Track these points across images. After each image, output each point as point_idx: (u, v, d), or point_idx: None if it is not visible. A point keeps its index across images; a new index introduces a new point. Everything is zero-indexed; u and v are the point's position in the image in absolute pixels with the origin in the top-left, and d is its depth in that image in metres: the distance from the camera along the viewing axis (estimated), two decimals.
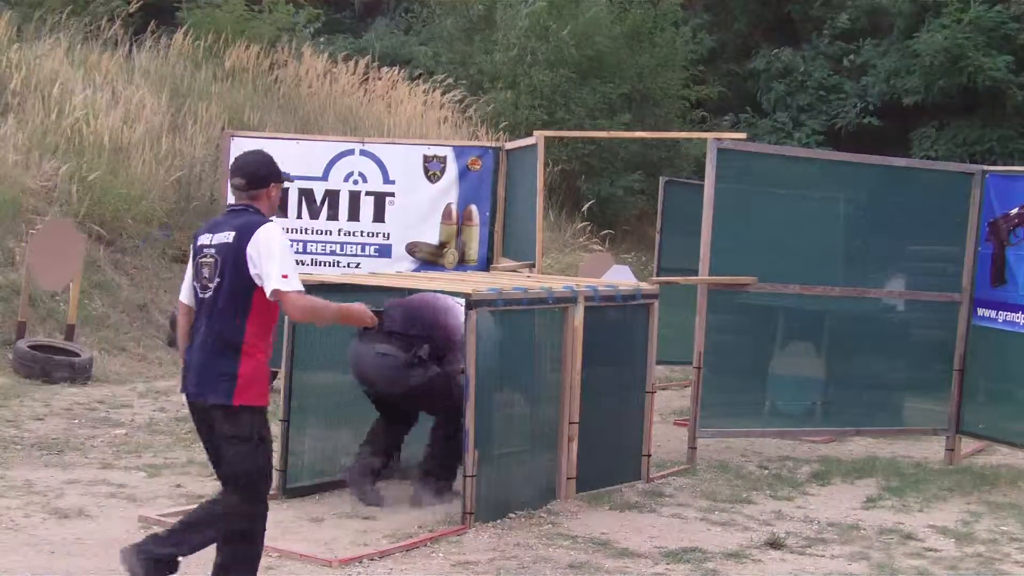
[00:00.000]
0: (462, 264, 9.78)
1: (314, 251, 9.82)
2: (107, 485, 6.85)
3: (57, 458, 7.43)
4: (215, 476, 7.13)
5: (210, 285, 4.76)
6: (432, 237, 9.85)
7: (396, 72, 17.77)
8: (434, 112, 17.26)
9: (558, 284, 7.43)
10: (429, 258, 9.81)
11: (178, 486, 6.94)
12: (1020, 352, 8.26)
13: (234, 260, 4.70)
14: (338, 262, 9.78)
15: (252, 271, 4.68)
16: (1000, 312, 8.46)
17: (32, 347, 9.77)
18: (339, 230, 9.83)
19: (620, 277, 10.89)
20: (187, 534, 4.83)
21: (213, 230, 4.86)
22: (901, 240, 8.91)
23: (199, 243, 4.88)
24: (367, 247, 9.83)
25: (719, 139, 8.44)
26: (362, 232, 9.83)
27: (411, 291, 7.16)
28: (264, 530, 4.91)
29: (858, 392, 8.74)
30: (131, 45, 15.38)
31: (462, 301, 6.56)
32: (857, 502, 7.42)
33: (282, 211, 9.82)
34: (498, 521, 6.43)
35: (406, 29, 21.79)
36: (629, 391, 7.56)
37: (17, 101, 12.82)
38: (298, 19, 18.24)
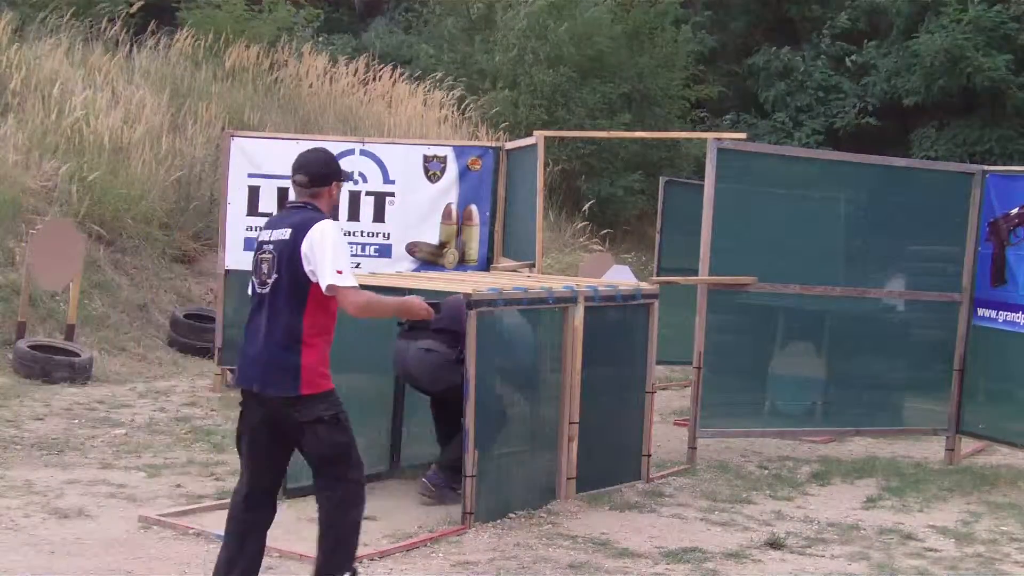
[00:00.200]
0: (462, 264, 9.78)
1: None
2: (107, 485, 6.85)
3: (57, 458, 7.43)
4: (214, 477, 7.17)
5: (268, 281, 4.84)
6: (432, 237, 9.85)
7: (396, 72, 17.79)
8: (434, 112, 17.27)
9: (558, 284, 7.43)
10: (429, 258, 9.81)
11: (178, 486, 6.94)
12: (1020, 352, 8.26)
13: (290, 257, 4.78)
14: None
15: (307, 267, 4.76)
16: (1000, 312, 8.46)
17: (32, 347, 9.77)
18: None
19: (620, 277, 10.88)
20: (334, 550, 4.92)
21: (273, 227, 4.96)
22: (901, 240, 8.90)
23: (260, 239, 4.98)
24: (367, 247, 9.83)
25: (719, 139, 8.44)
26: (362, 232, 9.83)
27: (411, 291, 7.16)
28: (363, 504, 5.03)
29: (858, 392, 8.74)
30: (131, 45, 15.39)
31: None
32: (857, 502, 7.42)
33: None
34: (498, 521, 6.43)
35: (406, 28, 21.80)
36: (629, 391, 7.55)
37: (17, 101, 12.83)
38: (297, 19, 18.25)
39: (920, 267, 8.99)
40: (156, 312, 11.80)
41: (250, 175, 9.87)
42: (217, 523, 6.13)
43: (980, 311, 8.63)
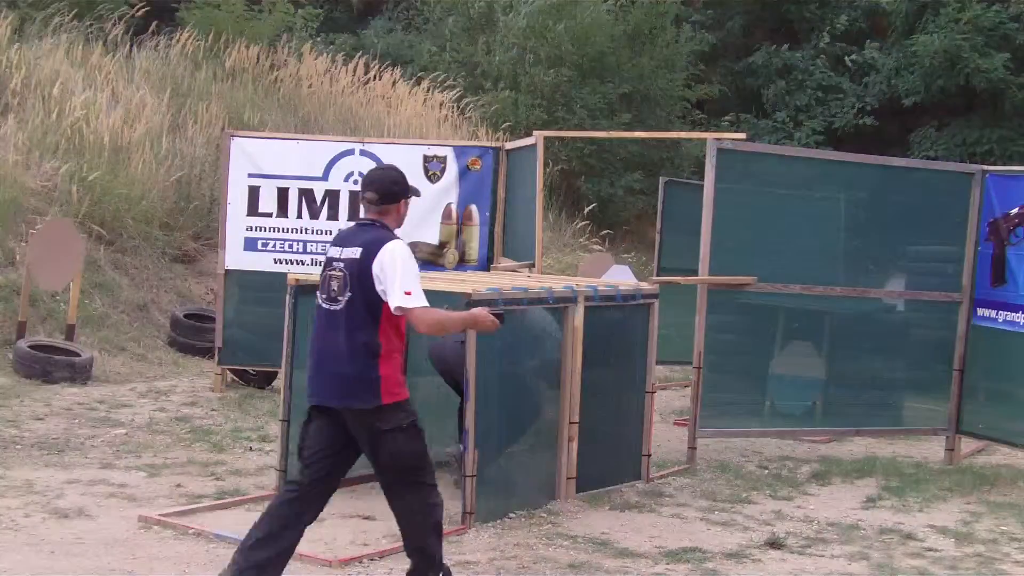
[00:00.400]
0: (462, 264, 9.78)
1: (314, 251, 9.81)
2: (107, 485, 6.85)
3: (57, 458, 7.43)
4: (214, 477, 7.17)
5: (340, 298, 4.97)
6: (432, 237, 9.84)
7: (396, 72, 17.79)
8: (434, 112, 17.27)
9: (558, 284, 7.43)
10: (429, 258, 9.80)
11: (178, 486, 6.94)
12: (1020, 352, 8.26)
13: (360, 276, 4.93)
14: None
15: (378, 288, 4.91)
16: (1000, 312, 8.46)
17: (32, 347, 9.77)
18: (339, 230, 9.80)
19: (620, 277, 10.88)
20: (423, 557, 5.08)
21: (342, 244, 5.08)
22: (901, 240, 8.90)
23: (330, 255, 5.09)
24: None
25: (719, 139, 8.44)
26: None
27: None
28: (441, 506, 5.20)
29: (858, 392, 8.74)
30: (131, 45, 15.39)
31: None
32: (857, 502, 7.42)
33: (282, 211, 9.84)
34: (498, 521, 6.43)
35: (406, 27, 21.79)
36: (629, 391, 7.56)
37: (17, 101, 12.83)
38: (294, 21, 18.25)
39: (920, 267, 8.99)
40: (156, 312, 11.80)
41: (250, 175, 9.87)
42: (217, 523, 6.15)
43: (980, 311, 8.63)
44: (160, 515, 6.22)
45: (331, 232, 9.80)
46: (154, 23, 16.08)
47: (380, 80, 17.41)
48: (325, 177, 9.84)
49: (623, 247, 17.96)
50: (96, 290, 11.36)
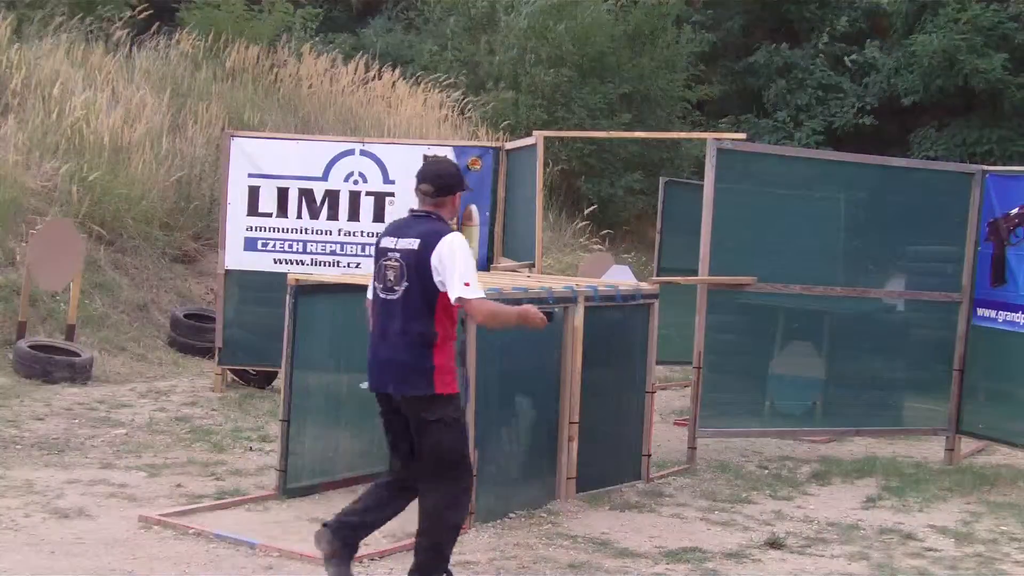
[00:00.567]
0: None
1: (314, 251, 9.83)
2: (107, 485, 6.85)
3: (57, 458, 7.43)
4: (214, 477, 7.16)
5: (397, 288, 5.10)
6: None
7: (396, 72, 17.78)
8: (434, 112, 17.27)
9: (558, 284, 7.43)
10: None
11: (178, 486, 6.94)
12: (1020, 352, 8.26)
13: (418, 267, 5.04)
14: (338, 262, 9.78)
15: (436, 279, 5.03)
16: (1000, 312, 8.46)
17: (32, 347, 9.77)
18: (339, 230, 9.83)
19: (620, 277, 10.88)
20: (430, 551, 5.14)
21: (397, 234, 5.18)
22: (901, 240, 8.90)
23: (383, 245, 5.20)
24: (367, 247, 9.80)
25: (719, 139, 8.44)
26: (362, 232, 9.83)
27: None
28: (466, 511, 5.30)
29: (858, 392, 8.73)
30: (131, 45, 15.39)
31: None
32: (857, 502, 7.42)
33: (282, 211, 9.84)
34: (498, 521, 6.43)
35: (406, 27, 21.79)
36: (629, 391, 7.56)
37: (17, 101, 12.83)
38: (294, 20, 18.26)
39: (920, 267, 8.99)
40: (156, 312, 11.81)
41: (250, 175, 9.87)
42: (217, 523, 6.15)
43: (980, 311, 8.63)
44: (160, 515, 6.22)
45: (331, 232, 9.83)
46: (155, 24, 16.09)
47: (380, 80, 17.41)
48: (325, 177, 9.85)
49: (623, 247, 17.96)
50: (96, 290, 11.36)
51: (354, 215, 9.83)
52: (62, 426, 8.30)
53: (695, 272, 8.31)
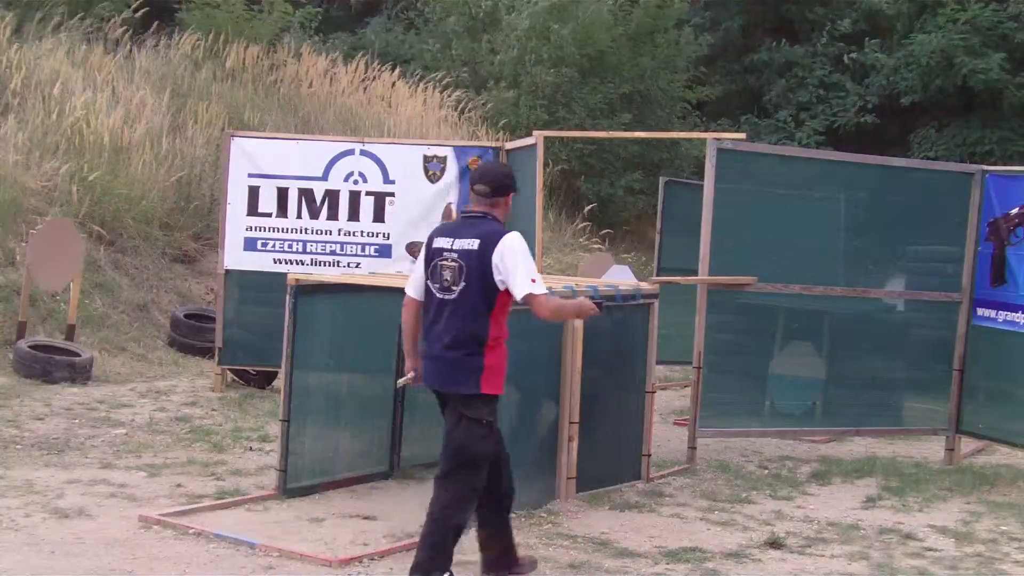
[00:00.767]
0: None
1: (314, 251, 9.82)
2: (107, 485, 6.85)
3: (57, 458, 7.43)
4: (214, 477, 7.16)
5: (454, 288, 5.19)
6: None
7: (395, 73, 17.78)
8: (434, 112, 17.27)
9: (558, 284, 7.43)
10: None
11: (178, 486, 6.94)
12: (1020, 352, 8.26)
13: (479, 266, 5.14)
14: (338, 262, 9.78)
15: (497, 278, 5.14)
16: (1000, 312, 8.46)
17: (32, 347, 9.77)
18: (339, 230, 9.83)
19: (620, 277, 10.88)
20: (434, 549, 5.20)
21: (453, 235, 5.27)
22: (901, 240, 8.90)
23: (437, 245, 5.28)
24: (367, 247, 9.83)
25: (719, 139, 8.44)
26: (362, 232, 9.83)
27: None
28: (471, 512, 5.34)
29: (858, 392, 8.73)
30: (132, 45, 15.39)
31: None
32: (857, 502, 7.42)
33: (282, 211, 9.84)
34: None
35: (406, 27, 21.79)
36: (629, 391, 7.56)
37: (17, 101, 12.83)
38: (292, 22, 18.26)
39: (920, 267, 8.99)
40: (156, 312, 11.81)
41: (250, 175, 9.87)
42: (217, 523, 6.15)
43: (980, 311, 8.63)
44: (160, 515, 6.22)
45: (331, 232, 9.83)
46: (154, 23, 16.08)
47: (380, 80, 17.41)
48: (325, 177, 9.85)
49: (623, 247, 17.96)
50: (96, 290, 11.36)
51: (354, 215, 9.83)
52: (62, 426, 8.30)
53: (695, 272, 8.31)
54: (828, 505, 7.30)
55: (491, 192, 5.32)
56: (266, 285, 9.38)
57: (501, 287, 5.14)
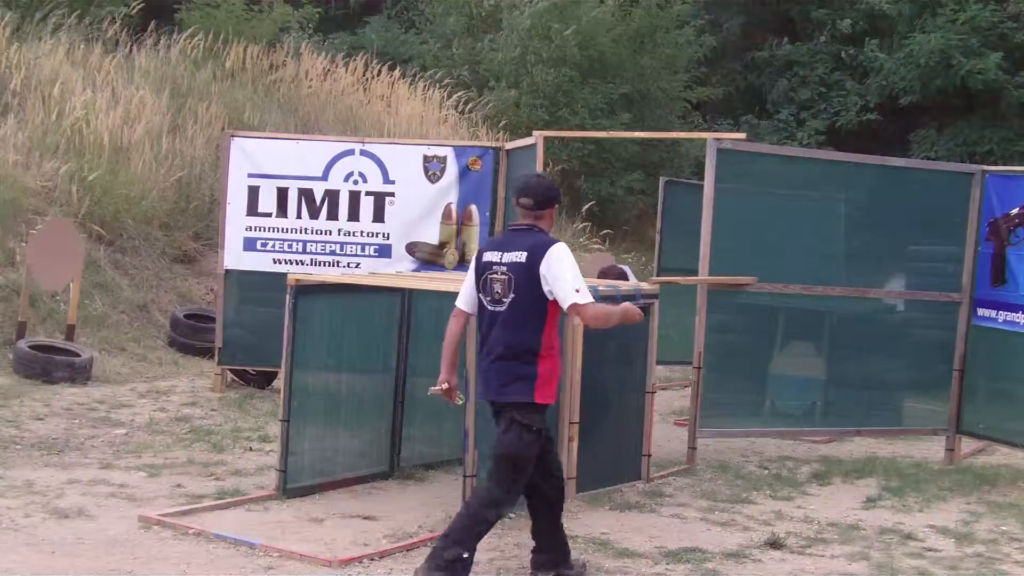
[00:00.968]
0: (462, 264, 9.76)
1: (314, 251, 9.82)
2: (107, 485, 6.85)
3: (57, 458, 7.43)
4: (214, 477, 7.16)
5: (504, 300, 5.31)
6: (432, 237, 9.84)
7: (396, 73, 17.78)
8: (434, 112, 17.27)
9: None
10: (429, 258, 9.81)
11: (178, 486, 6.94)
12: (1020, 352, 8.26)
13: (528, 278, 5.25)
14: (338, 262, 9.78)
15: (545, 288, 5.25)
16: (1000, 312, 8.46)
17: (32, 347, 9.77)
18: (339, 230, 9.83)
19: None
20: (463, 529, 5.26)
21: (501, 248, 5.40)
22: (901, 240, 8.91)
23: (487, 259, 5.41)
24: (367, 247, 9.83)
25: (718, 139, 8.44)
26: (362, 232, 9.83)
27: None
28: (504, 512, 5.44)
29: (858, 392, 8.74)
30: (131, 45, 15.39)
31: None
32: (857, 502, 7.42)
33: (282, 211, 9.84)
34: (498, 521, 6.41)
35: (407, 26, 21.79)
36: (629, 391, 7.56)
37: (17, 101, 12.83)
38: (291, 22, 18.25)
39: (920, 267, 8.99)
40: (156, 312, 11.80)
41: (250, 175, 9.87)
42: (217, 523, 6.15)
43: (980, 311, 8.63)
44: (160, 515, 6.22)
45: (331, 232, 9.82)
46: (153, 22, 16.08)
47: (379, 79, 17.41)
48: (325, 177, 9.85)
49: (623, 247, 17.96)
50: (96, 290, 11.36)
51: (354, 215, 9.83)
52: (62, 426, 8.30)
53: (695, 272, 8.31)
54: (828, 505, 7.30)
55: (535, 205, 5.42)
56: (266, 285, 9.38)
57: (550, 297, 5.25)
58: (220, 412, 9.10)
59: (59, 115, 12.58)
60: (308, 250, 9.83)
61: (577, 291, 5.21)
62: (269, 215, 9.86)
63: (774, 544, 6.31)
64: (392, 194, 9.84)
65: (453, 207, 9.80)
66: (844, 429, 8.92)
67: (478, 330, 5.50)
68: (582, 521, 6.60)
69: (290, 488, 6.81)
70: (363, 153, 9.90)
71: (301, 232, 9.85)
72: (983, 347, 8.61)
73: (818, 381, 8.75)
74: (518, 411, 5.28)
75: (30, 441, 7.79)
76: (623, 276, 9.84)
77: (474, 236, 9.81)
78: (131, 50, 15.27)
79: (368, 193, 9.84)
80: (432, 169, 9.83)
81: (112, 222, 12.12)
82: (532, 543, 5.57)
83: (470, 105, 17.93)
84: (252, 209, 9.85)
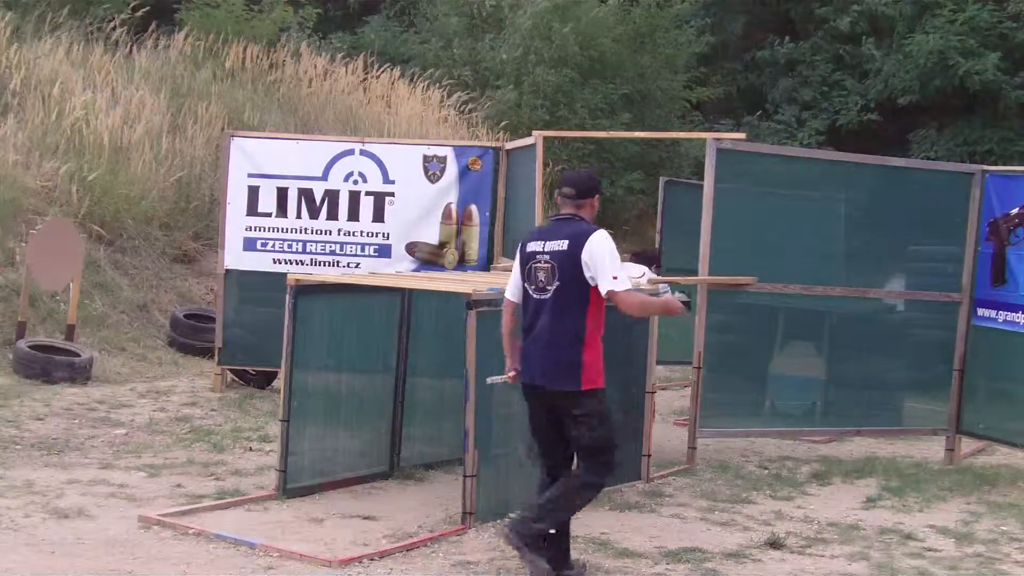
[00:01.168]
0: (462, 264, 9.78)
1: (314, 251, 9.82)
2: (107, 485, 6.85)
3: (57, 458, 7.43)
4: (214, 477, 7.16)
5: (549, 288, 5.43)
6: (432, 237, 9.85)
7: (395, 72, 17.77)
8: (434, 112, 17.26)
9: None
10: (429, 258, 9.81)
11: (178, 486, 6.94)
12: (1020, 352, 8.26)
13: (570, 265, 5.37)
14: (338, 262, 9.78)
15: (587, 274, 5.36)
16: (1000, 312, 8.46)
17: (32, 347, 9.77)
18: (339, 230, 9.83)
19: (634, 273, 10.86)
20: (551, 510, 5.41)
21: (544, 238, 5.52)
22: (901, 240, 8.91)
23: (530, 249, 5.52)
24: (367, 247, 9.83)
25: (718, 139, 8.44)
26: (362, 232, 9.83)
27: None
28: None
29: (858, 392, 8.74)
30: (131, 45, 15.38)
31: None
32: (857, 502, 7.42)
33: (282, 211, 9.85)
34: (498, 521, 6.42)
35: (407, 26, 21.78)
36: (629, 391, 7.55)
37: (17, 101, 12.83)
38: (290, 23, 18.25)
39: (920, 267, 8.99)
40: (156, 312, 11.80)
41: (250, 175, 9.88)
42: (217, 523, 6.15)
43: (980, 311, 8.63)
44: (160, 515, 6.22)
45: (331, 232, 9.83)
46: (153, 22, 16.08)
47: (379, 79, 17.40)
48: (325, 177, 9.85)
49: (623, 247, 17.87)
50: (96, 290, 11.36)
51: (354, 215, 9.83)
52: (62, 426, 8.30)
53: (695, 272, 8.31)
54: (828, 505, 7.30)
55: (576, 195, 5.53)
56: (266, 285, 9.38)
57: (592, 283, 5.35)
58: (220, 412, 9.10)
59: (59, 115, 12.58)
60: (308, 250, 9.83)
61: (615, 278, 5.31)
62: (269, 215, 9.86)
63: (774, 544, 6.31)
64: (392, 194, 9.84)
65: (453, 207, 9.81)
66: (844, 429, 8.93)
67: (523, 318, 5.58)
68: (582, 521, 6.58)
69: (290, 488, 6.81)
70: (363, 153, 9.90)
71: (301, 232, 9.85)
72: (983, 347, 8.61)
73: (818, 381, 8.75)
74: (571, 403, 5.37)
75: (30, 441, 7.79)
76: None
77: (474, 236, 9.81)
78: (131, 50, 15.26)
79: (368, 193, 9.84)
80: (432, 169, 9.83)
81: (112, 222, 12.12)
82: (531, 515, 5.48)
83: (470, 105, 17.92)
84: (252, 209, 9.85)
